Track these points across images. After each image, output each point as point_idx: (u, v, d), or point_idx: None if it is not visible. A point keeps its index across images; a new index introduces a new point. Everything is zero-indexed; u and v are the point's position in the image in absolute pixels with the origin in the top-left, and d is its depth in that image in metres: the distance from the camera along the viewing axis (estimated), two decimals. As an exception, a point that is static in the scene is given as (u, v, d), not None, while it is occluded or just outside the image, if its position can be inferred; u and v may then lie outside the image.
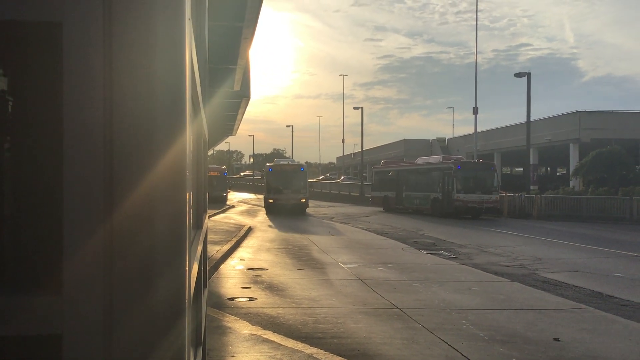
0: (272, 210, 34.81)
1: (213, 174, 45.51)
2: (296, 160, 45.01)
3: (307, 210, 36.57)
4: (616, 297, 11.06)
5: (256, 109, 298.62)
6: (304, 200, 35.59)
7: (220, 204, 41.60)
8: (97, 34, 1.03)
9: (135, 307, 1.06)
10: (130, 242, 1.05)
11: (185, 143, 1.10)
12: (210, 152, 73.20)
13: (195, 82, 1.51)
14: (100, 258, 1.05)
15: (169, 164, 1.07)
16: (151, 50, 1.06)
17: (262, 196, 41.12)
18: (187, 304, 1.11)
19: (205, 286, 3.96)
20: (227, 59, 10.98)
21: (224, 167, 55.66)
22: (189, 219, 1.16)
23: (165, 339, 1.08)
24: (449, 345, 7.42)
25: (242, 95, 17.79)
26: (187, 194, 1.15)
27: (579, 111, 50.61)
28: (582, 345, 7.60)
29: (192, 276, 1.48)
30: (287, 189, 35.28)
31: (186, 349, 1.11)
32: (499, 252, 17.77)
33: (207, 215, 3.79)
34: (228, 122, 25.47)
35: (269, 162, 39.96)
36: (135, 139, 1.05)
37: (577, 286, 12.18)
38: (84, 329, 1.04)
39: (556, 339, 7.81)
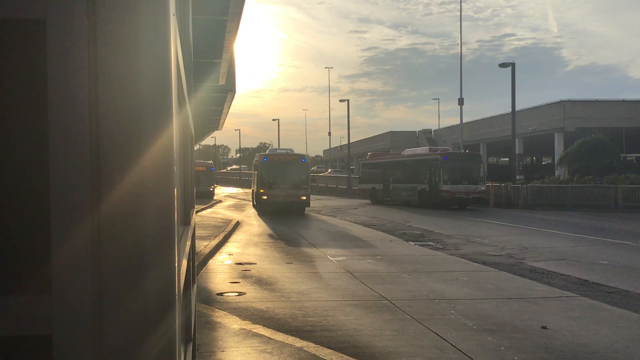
0: (264, 209, 29.50)
1: (200, 169, 45.41)
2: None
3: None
4: (603, 285, 11.17)
5: (242, 103, 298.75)
6: (304, 197, 29.55)
7: (208, 198, 41.54)
8: (81, 30, 1.02)
9: (125, 304, 1.06)
10: (119, 239, 1.05)
11: (172, 138, 1.09)
12: (196, 147, 72.92)
13: (180, 77, 1.51)
14: (89, 256, 1.04)
15: (156, 160, 1.07)
16: (136, 47, 1.05)
17: (249, 190, 39.76)
18: (177, 299, 1.11)
19: (194, 282, 3.95)
20: (211, 53, 10.92)
21: (210, 162, 55.59)
22: (176, 215, 1.15)
23: (156, 335, 1.08)
24: (438, 335, 7.47)
25: (228, 90, 17.71)
26: (175, 189, 1.15)
27: (563, 100, 50.99)
28: (570, 333, 7.68)
29: (181, 272, 1.48)
30: (284, 183, 29.28)
31: (177, 344, 1.11)
32: (486, 242, 17.89)
33: (194, 211, 3.79)
34: (214, 117, 25.36)
35: (261, 152, 33.38)
36: (121, 135, 1.05)
37: (563, 274, 12.30)
38: (74, 328, 1.04)
39: (544, 327, 7.88)
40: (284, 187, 29.25)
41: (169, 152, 1.08)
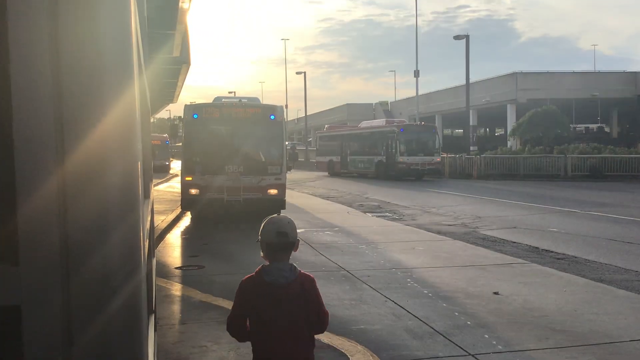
0: (196, 216, 16.39)
1: (155, 142, 44.64)
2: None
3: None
4: (552, 251, 11.56)
5: (197, 75, 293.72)
6: (274, 191, 15.44)
7: (164, 173, 40.98)
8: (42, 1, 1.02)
9: (91, 274, 1.08)
10: (84, 204, 1.06)
11: (134, 103, 1.10)
12: (151, 120, 71.27)
13: (139, 46, 1.51)
14: (55, 229, 1.05)
15: (119, 124, 1.08)
16: (97, 15, 1.05)
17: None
18: (142, 261, 1.14)
19: (152, 255, 3.96)
20: (165, 24, 10.69)
21: (165, 135, 54.64)
22: (141, 183, 1.17)
23: (122, 300, 1.10)
24: (395, 303, 7.64)
25: (182, 62, 17.38)
26: (138, 149, 1.16)
27: (516, 72, 51.90)
28: (520, 298, 7.95)
29: (145, 240, 1.49)
30: (232, 163, 15.16)
31: (143, 307, 1.14)
32: (441, 212, 18.24)
33: (152, 185, 3.77)
34: (169, 89, 24.89)
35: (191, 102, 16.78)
36: (84, 101, 1.05)
37: (515, 242, 12.67)
38: (42, 299, 1.06)
39: (496, 293, 8.15)
40: (232, 172, 15.13)
41: (132, 115, 1.10)
